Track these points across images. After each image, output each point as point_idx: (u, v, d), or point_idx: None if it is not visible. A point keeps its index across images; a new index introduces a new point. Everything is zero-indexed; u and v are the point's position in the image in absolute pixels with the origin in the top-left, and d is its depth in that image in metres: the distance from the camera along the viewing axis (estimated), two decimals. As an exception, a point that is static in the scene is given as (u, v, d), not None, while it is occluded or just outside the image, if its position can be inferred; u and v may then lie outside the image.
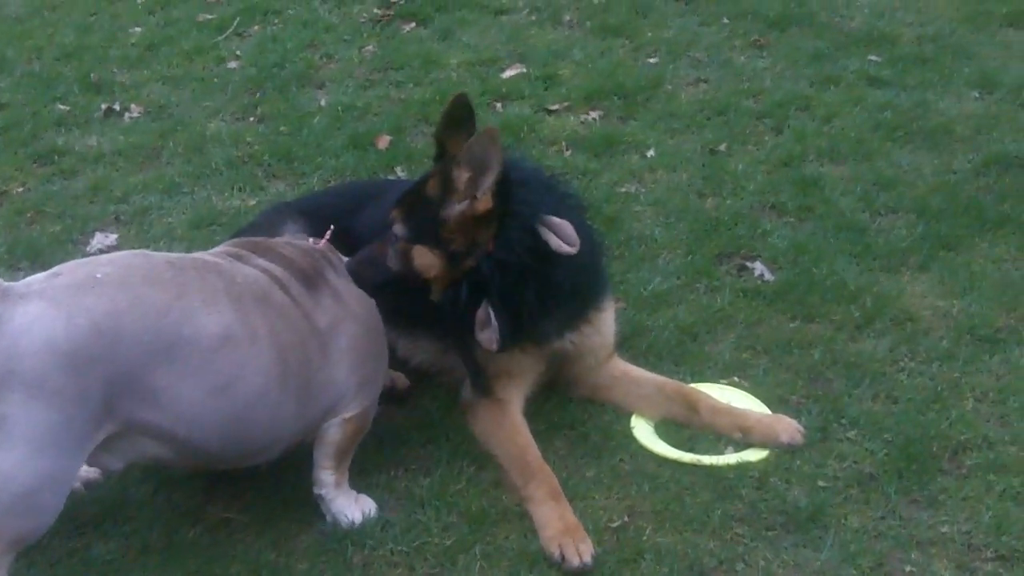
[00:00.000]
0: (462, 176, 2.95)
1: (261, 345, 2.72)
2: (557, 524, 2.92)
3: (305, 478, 3.03)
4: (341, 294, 2.99)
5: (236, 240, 3.12)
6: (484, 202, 2.95)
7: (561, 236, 2.99)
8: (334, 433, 2.95)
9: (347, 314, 2.96)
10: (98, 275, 2.61)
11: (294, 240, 3.14)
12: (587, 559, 2.83)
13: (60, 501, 2.58)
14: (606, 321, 3.38)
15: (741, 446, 3.20)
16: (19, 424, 2.47)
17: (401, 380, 3.40)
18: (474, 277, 3.01)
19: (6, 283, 2.54)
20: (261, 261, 2.92)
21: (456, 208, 2.97)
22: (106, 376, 2.52)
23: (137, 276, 2.65)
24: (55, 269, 2.66)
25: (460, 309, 3.04)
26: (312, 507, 3.01)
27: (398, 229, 3.04)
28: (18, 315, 2.49)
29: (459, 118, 3.05)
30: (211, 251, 3.05)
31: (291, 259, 2.96)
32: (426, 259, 3.02)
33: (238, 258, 2.92)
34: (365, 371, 2.98)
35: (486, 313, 3.02)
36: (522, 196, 3.01)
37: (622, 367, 3.43)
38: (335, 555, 2.90)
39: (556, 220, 3.01)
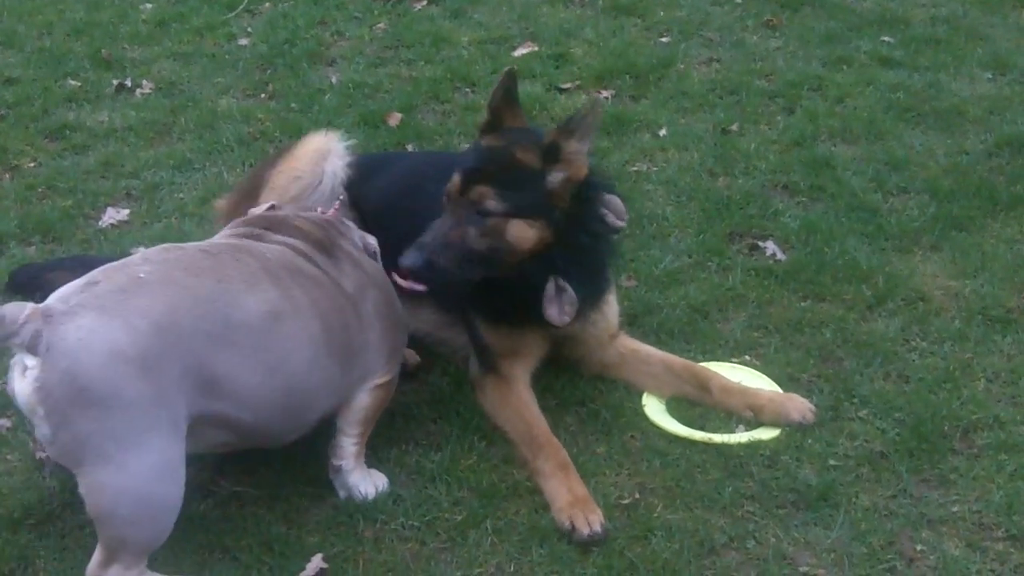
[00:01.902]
0: (572, 146, 2.99)
1: (305, 316, 2.74)
2: (566, 496, 2.93)
3: (315, 452, 3.04)
4: (359, 261, 3.00)
5: (246, 219, 3.11)
6: (582, 171, 3.02)
7: (614, 212, 3.07)
8: (363, 399, 2.96)
9: (369, 280, 2.98)
10: (140, 275, 2.57)
11: (301, 212, 3.13)
12: (597, 528, 2.85)
13: (177, 497, 2.57)
14: (611, 303, 3.39)
15: (752, 424, 3.20)
16: (108, 440, 2.45)
17: (412, 356, 3.40)
18: (551, 251, 3.04)
19: (40, 305, 2.48)
20: (279, 236, 2.93)
21: (559, 176, 3.01)
22: (176, 373, 2.51)
23: (178, 269, 2.63)
24: (89, 277, 2.59)
25: (531, 283, 3.06)
26: (323, 481, 3.02)
27: (492, 206, 2.98)
28: (71, 332, 2.43)
29: (513, 92, 3.13)
30: (226, 232, 3.05)
31: (306, 231, 2.96)
32: (525, 233, 3.01)
33: (257, 237, 2.92)
34: (393, 337, 3.01)
35: (555, 286, 3.06)
36: (592, 171, 3.08)
37: (631, 345, 3.43)
38: (346, 529, 2.91)
39: (609, 196, 3.10)
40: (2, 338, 2.44)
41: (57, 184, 4.49)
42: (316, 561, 2.79)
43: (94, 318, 2.46)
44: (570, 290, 3.07)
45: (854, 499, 2.95)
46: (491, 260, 3.02)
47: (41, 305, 2.49)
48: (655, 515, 2.92)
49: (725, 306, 3.71)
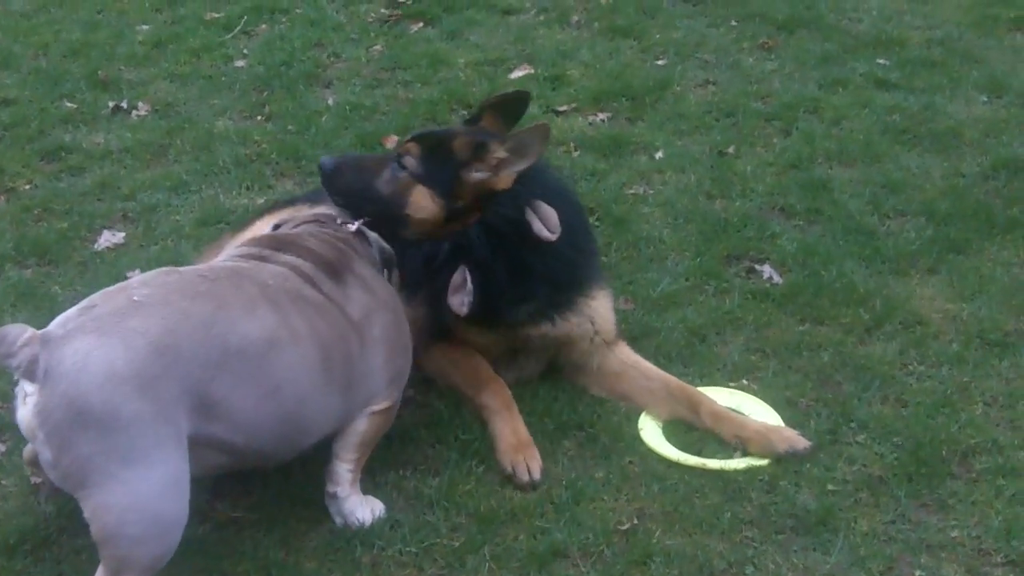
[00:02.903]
0: (499, 153, 3.12)
1: (304, 344, 2.72)
2: (510, 438, 3.10)
3: (312, 477, 3.04)
4: (369, 283, 2.98)
5: (255, 239, 3.10)
6: (505, 182, 3.14)
7: (545, 222, 3.14)
8: (360, 425, 2.93)
9: (378, 304, 2.96)
10: (135, 298, 2.57)
11: (315, 229, 3.09)
12: (536, 475, 3.04)
13: (183, 513, 2.56)
14: (596, 308, 3.40)
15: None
16: (110, 462, 2.44)
17: None
18: (459, 239, 3.18)
19: (40, 331, 2.49)
20: (286, 257, 2.90)
21: (477, 175, 3.15)
22: (173, 394, 2.50)
23: (175, 293, 2.63)
24: (86, 302, 2.60)
25: (436, 266, 3.22)
26: (320, 505, 3.00)
27: (410, 163, 3.19)
28: (68, 356, 2.43)
29: (513, 106, 3.30)
30: (231, 253, 3.04)
31: (316, 252, 2.94)
32: (424, 202, 3.17)
33: (262, 258, 2.90)
34: (397, 363, 3.00)
35: (463, 277, 3.16)
36: (521, 177, 3.16)
37: (633, 358, 3.44)
38: (344, 554, 2.90)
39: (544, 206, 3.16)
40: (1, 356, 2.46)
41: (53, 206, 4.48)
42: (313, 588, 2.78)
43: (91, 340, 2.46)
44: (470, 284, 3.16)
45: (853, 524, 2.95)
46: (387, 211, 3.17)
47: (41, 331, 2.49)
48: (654, 540, 2.91)
49: (723, 329, 3.71)
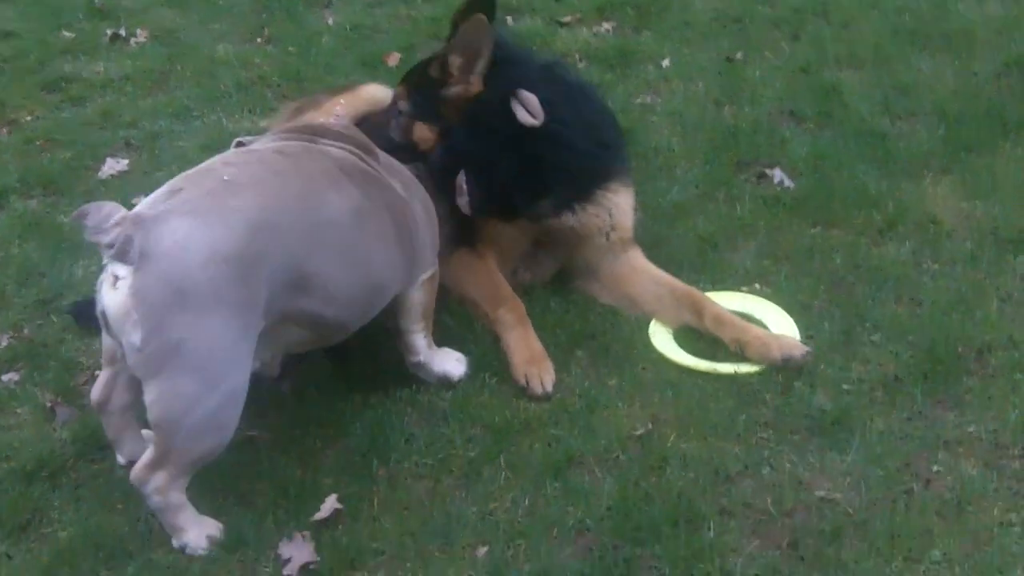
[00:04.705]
0: (455, 62, 3.19)
1: (382, 215, 2.77)
2: (524, 352, 3.12)
3: (325, 398, 3.05)
4: (394, 163, 3.01)
5: (288, 127, 3.04)
6: (476, 85, 3.19)
7: (528, 108, 3.16)
8: (417, 296, 2.99)
9: (410, 179, 3.00)
10: (226, 177, 2.53)
11: (328, 121, 3.14)
12: (548, 388, 3.06)
13: (239, 412, 2.56)
14: (616, 203, 3.39)
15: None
16: (199, 347, 2.41)
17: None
18: (449, 146, 3.23)
19: (130, 211, 2.41)
20: (329, 141, 2.89)
21: (452, 90, 3.21)
22: (269, 273, 2.48)
23: (262, 170, 2.60)
24: (169, 186, 2.53)
25: (439, 176, 3.25)
26: (336, 425, 3.01)
27: (402, 105, 3.30)
28: (166, 235, 2.37)
29: (478, 6, 3.21)
30: (272, 140, 2.94)
31: (348, 135, 2.94)
32: (424, 134, 3.26)
33: (312, 142, 2.87)
34: (435, 232, 3.05)
35: (461, 179, 3.21)
36: (500, 73, 3.19)
37: (643, 263, 3.43)
38: (360, 469, 2.90)
39: (525, 94, 3.18)
40: (91, 230, 2.38)
41: (56, 136, 4.45)
42: (331, 502, 2.78)
43: (190, 221, 2.41)
44: (464, 185, 3.20)
45: (868, 423, 2.93)
46: (412, 155, 3.24)
47: (130, 213, 2.41)
48: (668, 445, 2.90)
49: (734, 236, 3.67)
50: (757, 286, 3.44)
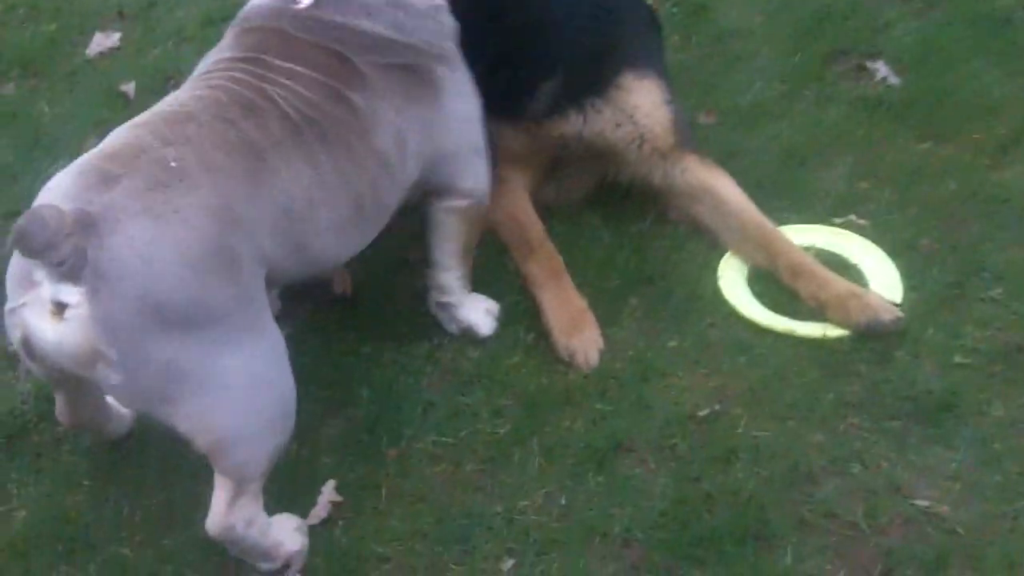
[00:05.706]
0: None
1: (338, 195, 2.26)
2: (563, 315, 2.63)
3: (320, 368, 2.58)
4: (379, 80, 2.35)
5: (234, 45, 2.38)
6: None
7: None
8: (453, 222, 2.58)
9: (391, 92, 2.36)
10: (172, 163, 2.01)
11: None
12: (594, 363, 2.58)
13: (292, 384, 2.16)
14: (636, 103, 2.81)
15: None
16: (201, 357, 1.98)
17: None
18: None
19: (68, 211, 1.88)
20: (288, 66, 2.27)
21: None
22: (248, 262, 2.05)
23: (210, 148, 2.07)
24: (96, 166, 1.99)
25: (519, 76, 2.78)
26: (336, 398, 2.55)
27: None
28: (123, 247, 1.89)
29: None
30: (212, 68, 2.40)
31: (315, 43, 2.31)
32: None
33: (259, 78, 2.25)
34: (466, 147, 2.53)
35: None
36: None
37: (704, 177, 2.84)
38: (366, 448, 2.44)
39: None
40: (40, 248, 1.85)
41: (40, 5, 3.90)
42: (328, 492, 2.34)
43: (144, 224, 1.91)
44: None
45: (985, 408, 2.39)
46: None
47: (73, 211, 1.88)
48: (738, 431, 2.40)
49: (825, 148, 3.07)
50: (853, 217, 2.85)
